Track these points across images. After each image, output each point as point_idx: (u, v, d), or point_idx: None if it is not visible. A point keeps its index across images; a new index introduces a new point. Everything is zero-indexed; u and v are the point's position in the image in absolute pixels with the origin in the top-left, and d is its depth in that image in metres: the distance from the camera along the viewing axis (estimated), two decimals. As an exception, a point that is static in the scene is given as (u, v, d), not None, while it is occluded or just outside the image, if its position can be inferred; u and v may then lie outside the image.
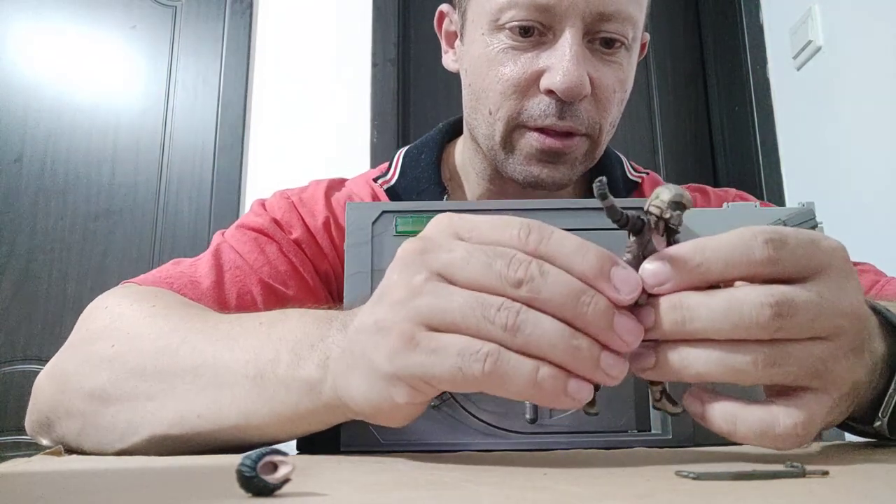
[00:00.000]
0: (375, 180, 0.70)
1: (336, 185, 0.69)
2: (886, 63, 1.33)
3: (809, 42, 1.56)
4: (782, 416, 0.29)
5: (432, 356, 0.29)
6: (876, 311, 0.34)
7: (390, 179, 0.69)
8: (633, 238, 0.31)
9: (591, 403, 0.32)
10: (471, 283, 0.29)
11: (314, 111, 1.79)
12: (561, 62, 0.56)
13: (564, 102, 0.57)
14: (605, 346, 0.29)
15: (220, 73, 1.82)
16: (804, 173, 1.65)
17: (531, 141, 0.59)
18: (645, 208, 0.31)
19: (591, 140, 0.60)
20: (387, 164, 0.72)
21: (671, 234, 0.31)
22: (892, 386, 0.34)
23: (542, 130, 0.58)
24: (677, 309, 0.29)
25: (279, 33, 1.85)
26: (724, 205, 0.46)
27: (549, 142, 0.58)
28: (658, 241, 0.31)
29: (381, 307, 0.31)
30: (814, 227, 0.43)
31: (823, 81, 1.55)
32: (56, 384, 0.44)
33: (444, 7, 0.70)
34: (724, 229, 0.44)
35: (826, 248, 0.31)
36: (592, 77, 0.57)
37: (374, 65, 1.82)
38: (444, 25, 0.70)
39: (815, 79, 1.58)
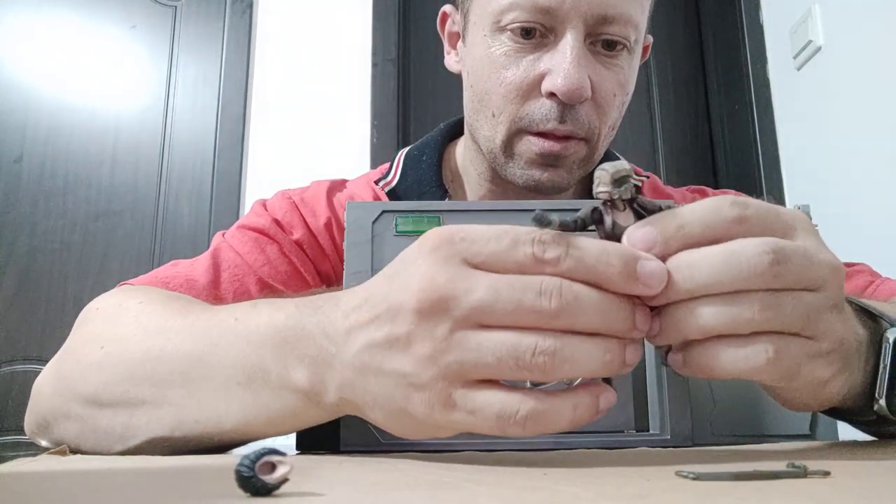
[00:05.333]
0: (377, 183, 0.69)
1: (338, 185, 0.69)
2: (886, 63, 1.33)
3: (809, 42, 1.56)
4: (762, 345, 0.30)
5: (471, 416, 0.29)
6: (848, 301, 0.35)
7: (391, 181, 0.69)
8: (598, 229, 0.32)
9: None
10: (503, 323, 0.29)
11: (314, 111, 1.79)
12: (562, 64, 0.56)
13: (565, 105, 0.57)
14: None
15: (220, 73, 1.81)
16: (804, 173, 1.65)
17: (531, 146, 0.59)
18: (594, 195, 0.31)
19: (589, 144, 0.60)
20: (388, 165, 0.72)
21: (633, 203, 0.31)
22: (882, 363, 0.35)
23: (541, 135, 0.58)
24: (681, 268, 0.30)
25: (279, 33, 1.85)
26: None
27: (549, 145, 0.58)
28: (625, 217, 0.31)
29: (405, 359, 0.30)
30: (812, 228, 0.43)
31: (823, 81, 1.55)
32: (53, 387, 0.45)
33: (446, 8, 0.70)
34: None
35: (789, 212, 0.33)
36: (593, 80, 0.57)
37: (374, 65, 1.82)
38: (446, 26, 0.70)
39: (815, 79, 1.58)
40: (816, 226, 0.43)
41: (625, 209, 0.31)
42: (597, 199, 0.31)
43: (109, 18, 1.82)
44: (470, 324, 0.29)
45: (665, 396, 0.41)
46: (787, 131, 1.72)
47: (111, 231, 1.71)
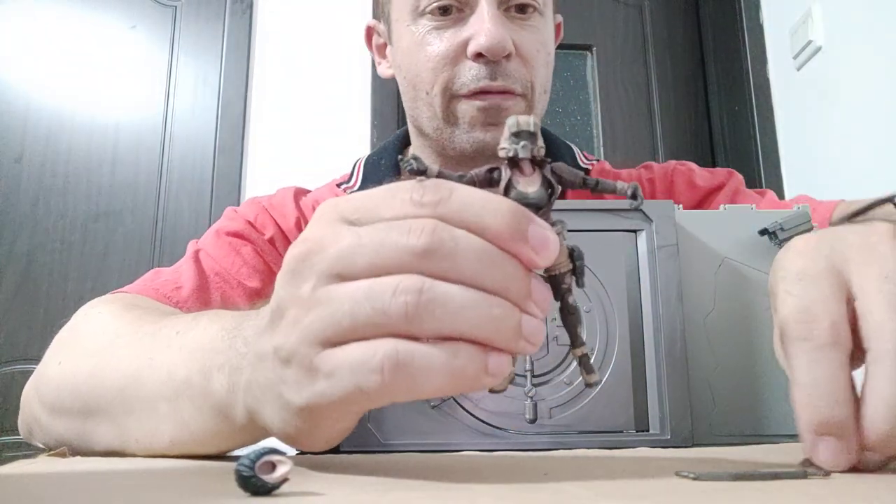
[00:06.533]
0: (339, 186, 0.73)
1: (302, 191, 0.73)
2: (886, 63, 1.33)
3: (809, 42, 1.56)
4: None
5: (330, 381, 0.25)
6: None
7: (353, 185, 0.72)
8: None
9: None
10: (368, 270, 0.24)
11: (314, 111, 1.79)
12: (482, 25, 0.59)
13: (493, 63, 0.59)
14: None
15: (220, 73, 1.81)
16: (804, 173, 1.65)
17: (470, 106, 0.61)
18: (498, 153, 0.27)
19: (526, 101, 0.62)
20: (349, 172, 0.75)
21: (543, 166, 0.26)
22: None
23: (477, 95, 0.60)
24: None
25: (279, 33, 1.85)
26: (721, 207, 0.46)
27: (490, 99, 0.60)
28: (529, 182, 0.26)
29: (277, 331, 0.27)
30: (808, 230, 0.43)
31: (823, 81, 1.55)
32: (27, 394, 0.47)
33: (370, 22, 0.73)
34: (722, 231, 0.44)
35: None
36: (514, 39, 0.60)
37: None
38: (373, 40, 0.73)
39: (815, 79, 1.58)
40: (815, 227, 0.43)
41: (533, 172, 0.26)
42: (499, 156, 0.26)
43: (109, 18, 1.82)
44: (333, 277, 0.25)
45: (665, 396, 0.41)
46: (787, 131, 1.72)
47: (111, 231, 1.71)
